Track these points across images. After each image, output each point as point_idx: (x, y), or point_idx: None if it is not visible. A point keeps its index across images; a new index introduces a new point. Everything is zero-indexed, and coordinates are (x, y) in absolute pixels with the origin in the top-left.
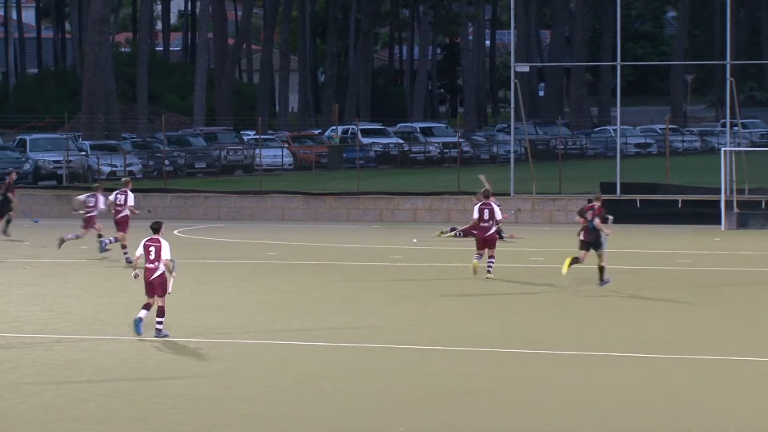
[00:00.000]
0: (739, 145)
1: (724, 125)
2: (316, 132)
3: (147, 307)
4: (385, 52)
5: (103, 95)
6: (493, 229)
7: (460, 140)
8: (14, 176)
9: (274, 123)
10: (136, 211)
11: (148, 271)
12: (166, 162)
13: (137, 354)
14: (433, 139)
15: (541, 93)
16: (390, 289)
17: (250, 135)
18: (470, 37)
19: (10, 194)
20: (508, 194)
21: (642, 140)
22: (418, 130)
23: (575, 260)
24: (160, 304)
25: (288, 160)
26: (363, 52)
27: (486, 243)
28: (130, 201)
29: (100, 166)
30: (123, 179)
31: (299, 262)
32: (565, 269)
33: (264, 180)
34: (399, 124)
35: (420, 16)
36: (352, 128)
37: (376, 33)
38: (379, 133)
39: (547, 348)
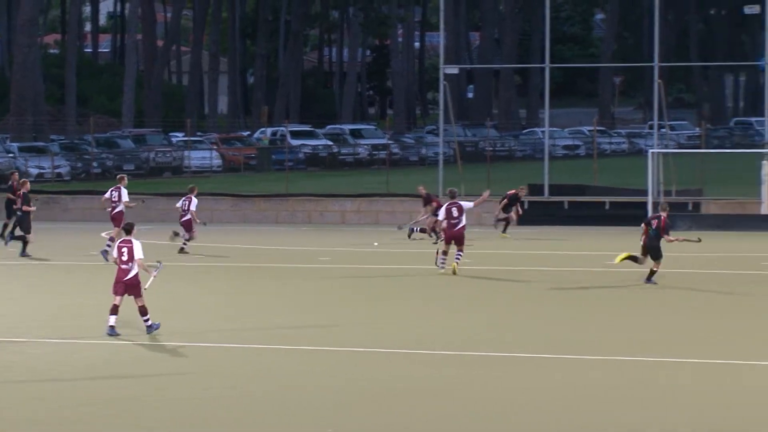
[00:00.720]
0: (666, 146)
1: (651, 127)
2: (245, 134)
3: (115, 311)
4: (314, 54)
5: (32, 97)
6: (462, 225)
7: (389, 142)
8: (16, 177)
9: (203, 125)
10: (132, 205)
11: (122, 272)
12: (95, 164)
13: (66, 356)
14: (362, 141)
15: (470, 95)
16: (320, 290)
17: (178, 137)
18: (399, 39)
19: (25, 207)
20: (437, 196)
21: (570, 142)
22: (348, 131)
23: (633, 258)
24: (140, 304)
25: (217, 162)
26: (292, 54)
27: (455, 239)
28: (124, 197)
29: (28, 168)
30: (118, 176)
31: (229, 264)
32: (618, 259)
33: (192, 182)
34: (328, 126)
35: (349, 18)
36: (281, 130)
37: (306, 35)
38: (308, 135)
39: (485, 349)
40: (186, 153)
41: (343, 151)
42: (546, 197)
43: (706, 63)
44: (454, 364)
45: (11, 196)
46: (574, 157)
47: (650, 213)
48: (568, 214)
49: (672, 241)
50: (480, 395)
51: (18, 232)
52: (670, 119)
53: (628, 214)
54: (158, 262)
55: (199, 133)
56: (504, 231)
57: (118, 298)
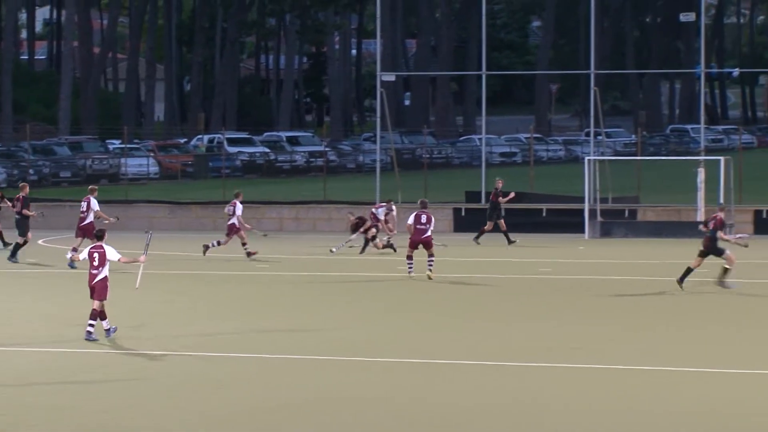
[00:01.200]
0: (602, 154)
1: (587, 134)
2: (182, 141)
3: (94, 316)
4: (251, 61)
5: None
6: (429, 233)
7: (326, 149)
8: (27, 190)
9: (139, 132)
10: (104, 216)
11: (91, 277)
12: (31, 171)
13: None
14: (299, 149)
15: (407, 102)
16: (255, 297)
17: (115, 144)
18: (336, 47)
19: (25, 211)
20: (374, 203)
21: (507, 149)
22: (285, 139)
23: (688, 271)
24: (94, 307)
25: (154, 169)
26: (229, 61)
27: (422, 244)
28: (94, 207)
29: None
30: (89, 187)
31: (165, 272)
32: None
33: (129, 189)
34: (265, 133)
35: (286, 25)
36: (218, 137)
37: (243, 42)
38: (245, 142)
39: (416, 356)
40: (123, 160)
41: (280, 158)
42: (483, 204)
43: (642, 70)
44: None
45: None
46: (511, 164)
47: (587, 220)
48: (505, 221)
49: (726, 240)
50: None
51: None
52: (606, 126)
53: (565, 222)
54: (147, 232)
55: (135, 141)
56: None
57: (96, 303)
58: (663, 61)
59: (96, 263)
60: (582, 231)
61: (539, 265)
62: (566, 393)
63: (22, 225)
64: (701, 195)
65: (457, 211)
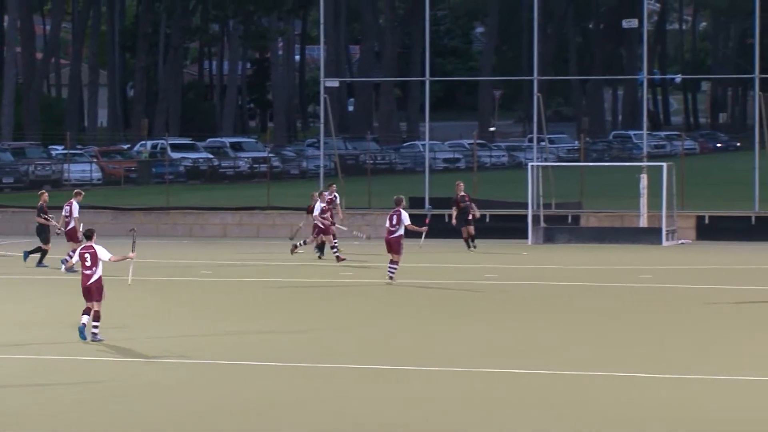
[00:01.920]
0: (545, 160)
1: (531, 140)
2: (125, 147)
3: (87, 311)
4: (194, 67)
5: None
6: (398, 234)
7: (270, 155)
8: (46, 197)
9: (83, 138)
10: (51, 222)
11: (85, 278)
12: None
13: None
14: (242, 154)
15: (351, 108)
16: (200, 303)
17: (58, 150)
18: (280, 52)
19: (39, 219)
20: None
21: (450, 155)
22: (228, 145)
23: None
24: (96, 309)
25: (97, 174)
26: (172, 67)
27: (389, 246)
28: (75, 212)
29: None
30: (75, 191)
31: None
32: None
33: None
34: (209, 139)
35: (230, 31)
36: (162, 143)
37: (186, 48)
38: (188, 147)
39: (352, 362)
40: (66, 166)
41: (224, 164)
42: (427, 210)
43: (585, 77)
44: (314, 377)
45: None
46: (455, 170)
47: (530, 226)
48: (449, 227)
49: None
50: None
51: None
52: (549, 132)
53: (508, 227)
54: (131, 230)
55: (78, 146)
56: (470, 245)
57: (94, 304)
58: (606, 68)
59: (88, 263)
60: (525, 237)
61: (484, 270)
62: (508, 396)
63: (43, 232)
64: (644, 201)
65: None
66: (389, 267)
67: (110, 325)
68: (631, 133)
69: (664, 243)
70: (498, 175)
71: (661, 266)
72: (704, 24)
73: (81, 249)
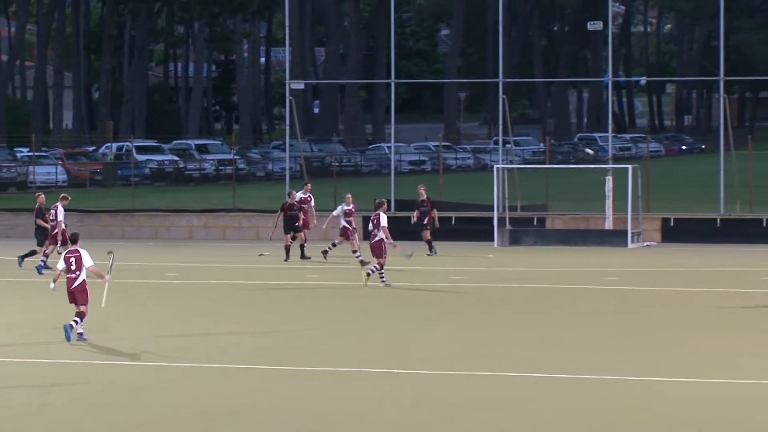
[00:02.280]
0: (511, 162)
1: (496, 142)
2: (91, 149)
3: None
4: (160, 69)
5: None
6: (378, 238)
7: (236, 157)
8: (43, 199)
9: (48, 140)
10: (63, 226)
11: (69, 281)
12: None
13: None
14: (208, 156)
15: (316, 110)
16: (169, 305)
17: (23, 152)
18: (245, 54)
19: (39, 221)
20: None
21: (416, 157)
22: (194, 147)
23: None
24: (80, 310)
25: (62, 177)
26: (137, 69)
27: (371, 250)
28: (60, 215)
29: None
30: (61, 195)
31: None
32: None
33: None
34: (174, 141)
35: (195, 33)
36: (127, 145)
37: (151, 49)
38: (154, 150)
39: (326, 365)
40: (31, 168)
41: (189, 166)
42: (392, 212)
43: (550, 79)
44: (298, 379)
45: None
46: (420, 172)
47: (496, 228)
48: (414, 230)
49: None
50: (332, 408)
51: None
52: (514, 135)
53: (474, 229)
54: (109, 252)
55: (44, 148)
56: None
57: (80, 307)
58: (571, 70)
59: (73, 267)
60: (491, 239)
61: (450, 273)
62: (475, 398)
63: (39, 234)
64: (609, 203)
65: (366, 219)
66: (378, 272)
67: (87, 328)
68: (596, 135)
69: (630, 245)
70: (463, 178)
71: (626, 268)
72: (669, 26)
73: (66, 253)
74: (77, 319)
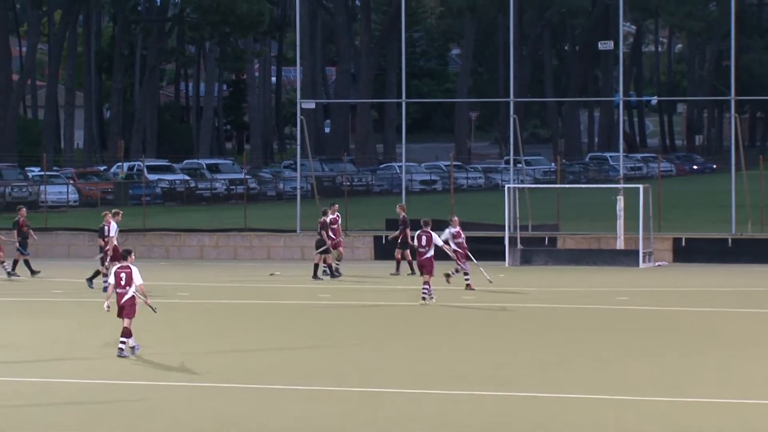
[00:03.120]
0: (522, 182)
1: (507, 162)
2: (102, 168)
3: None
4: (171, 89)
5: None
6: (429, 255)
7: (247, 177)
8: (24, 212)
9: (59, 159)
10: (115, 242)
11: (119, 296)
12: None
13: None
14: (219, 176)
15: (327, 130)
16: (172, 322)
17: (35, 171)
18: (256, 74)
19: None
20: (295, 231)
21: (427, 177)
22: (205, 166)
23: None
24: (125, 325)
25: (73, 196)
26: (149, 89)
27: (420, 267)
28: (112, 231)
29: None
30: (113, 211)
31: (86, 300)
32: None
33: (49, 217)
34: (185, 161)
35: (206, 53)
36: (138, 165)
37: (162, 69)
38: (165, 169)
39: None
40: (42, 188)
41: (201, 185)
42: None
43: (561, 98)
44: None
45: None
46: (431, 192)
47: (507, 248)
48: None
49: None
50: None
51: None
52: (525, 154)
53: (485, 249)
54: (153, 309)
55: (55, 168)
56: (411, 268)
57: (125, 320)
58: (582, 89)
59: (123, 282)
60: (502, 259)
61: (462, 293)
62: (489, 419)
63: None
64: (621, 223)
65: (377, 239)
66: (422, 288)
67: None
68: (608, 155)
69: (641, 265)
70: (475, 197)
71: (637, 288)
72: (680, 46)
73: (117, 268)
74: (123, 339)
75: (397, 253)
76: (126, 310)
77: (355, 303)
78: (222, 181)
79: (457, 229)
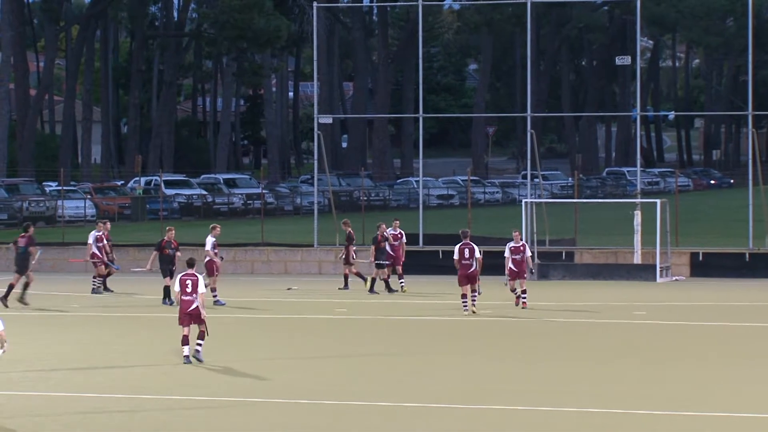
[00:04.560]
0: (539, 196)
1: (525, 177)
2: (120, 183)
3: (186, 342)
4: (188, 104)
5: None
6: (474, 267)
7: (264, 191)
8: (108, 226)
9: (77, 174)
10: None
11: (186, 303)
12: None
13: None
14: (236, 191)
15: (345, 144)
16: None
17: (52, 186)
18: (273, 89)
19: (31, 249)
20: (312, 245)
21: (444, 191)
22: (222, 181)
23: None
24: (201, 329)
25: (91, 211)
26: (166, 104)
27: (468, 279)
28: (208, 245)
29: None
30: (211, 226)
31: (101, 314)
32: None
33: (66, 231)
34: (203, 176)
35: (223, 68)
36: (156, 179)
37: (180, 84)
38: (182, 184)
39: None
40: (60, 202)
41: (218, 200)
42: (420, 247)
43: (578, 113)
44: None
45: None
46: (449, 206)
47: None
48: (443, 264)
49: None
50: None
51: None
52: (543, 169)
53: (502, 264)
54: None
55: (72, 183)
56: (387, 286)
57: (186, 328)
58: (599, 104)
59: (189, 290)
60: None
61: (480, 307)
62: None
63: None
64: (638, 237)
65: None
66: (471, 298)
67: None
68: (625, 169)
69: (659, 280)
70: (492, 212)
71: (655, 303)
72: (697, 61)
73: (182, 275)
74: (200, 341)
75: (345, 269)
76: (196, 317)
77: (372, 317)
78: (239, 195)
79: (519, 244)
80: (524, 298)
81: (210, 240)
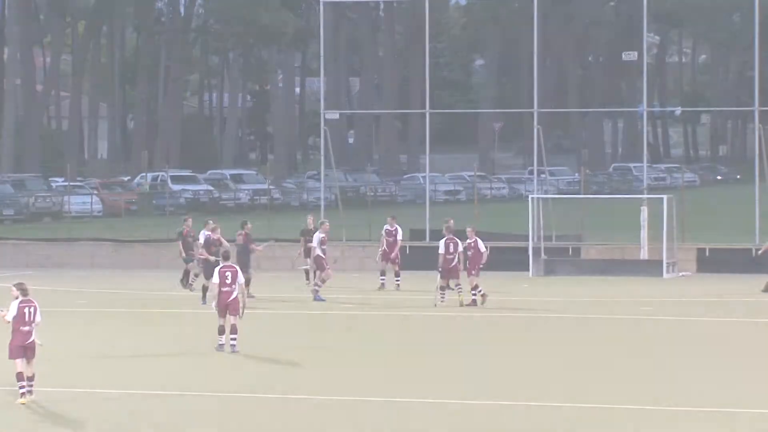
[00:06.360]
0: (546, 192)
1: (531, 172)
2: (126, 179)
3: (222, 331)
4: (194, 99)
5: None
6: (456, 261)
7: (271, 187)
8: (190, 222)
9: (83, 170)
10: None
11: (225, 294)
12: None
13: None
14: (243, 186)
15: (351, 140)
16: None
17: (58, 182)
18: (280, 84)
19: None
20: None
21: (451, 187)
22: (228, 176)
23: None
24: (233, 323)
25: (97, 206)
26: (172, 99)
27: (449, 273)
28: (316, 241)
29: None
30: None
31: (109, 310)
32: None
33: (73, 227)
34: (209, 171)
35: (230, 64)
36: (162, 175)
37: (186, 80)
38: (189, 179)
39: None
40: (66, 198)
41: (224, 196)
42: (427, 242)
43: (584, 109)
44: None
45: None
46: (455, 202)
47: (531, 258)
48: (420, 260)
49: None
50: None
51: None
52: (549, 165)
53: (509, 260)
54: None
55: (79, 178)
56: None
57: (221, 318)
58: (606, 100)
59: (228, 281)
60: (526, 269)
61: (485, 302)
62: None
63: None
64: (644, 233)
65: (401, 249)
66: (456, 286)
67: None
68: (632, 165)
69: (665, 275)
70: (498, 207)
71: (661, 298)
72: (704, 57)
73: (221, 268)
74: (234, 336)
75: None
76: (232, 308)
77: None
78: (246, 191)
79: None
80: (474, 294)
81: (317, 236)
